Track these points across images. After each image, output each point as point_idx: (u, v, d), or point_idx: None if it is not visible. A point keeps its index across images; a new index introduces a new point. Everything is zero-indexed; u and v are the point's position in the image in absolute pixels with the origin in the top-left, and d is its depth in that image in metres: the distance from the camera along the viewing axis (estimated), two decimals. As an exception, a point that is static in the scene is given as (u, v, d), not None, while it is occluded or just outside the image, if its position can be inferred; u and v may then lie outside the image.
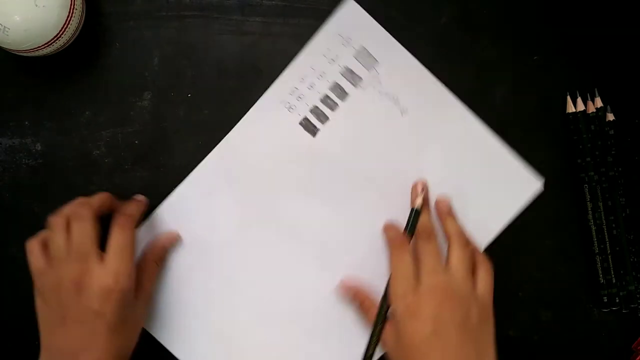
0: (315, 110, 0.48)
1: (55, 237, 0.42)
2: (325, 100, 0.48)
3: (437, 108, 0.48)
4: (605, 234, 0.49)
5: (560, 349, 0.50)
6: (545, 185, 0.49)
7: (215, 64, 0.48)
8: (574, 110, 0.48)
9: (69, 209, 0.43)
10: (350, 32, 0.47)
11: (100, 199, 0.44)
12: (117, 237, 0.42)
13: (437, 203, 0.47)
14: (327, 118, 0.48)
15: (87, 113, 0.48)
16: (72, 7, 0.42)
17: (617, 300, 0.49)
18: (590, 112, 0.48)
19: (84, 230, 0.42)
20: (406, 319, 0.42)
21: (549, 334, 0.50)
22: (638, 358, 0.49)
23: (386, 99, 0.48)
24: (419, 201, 0.46)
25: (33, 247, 0.42)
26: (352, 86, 0.48)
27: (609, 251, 0.49)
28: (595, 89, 0.49)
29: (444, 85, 0.47)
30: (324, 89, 0.48)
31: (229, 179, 0.48)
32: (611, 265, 0.49)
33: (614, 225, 0.49)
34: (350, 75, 0.47)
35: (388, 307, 0.45)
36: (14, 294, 0.48)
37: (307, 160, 0.48)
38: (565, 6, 0.49)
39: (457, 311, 0.42)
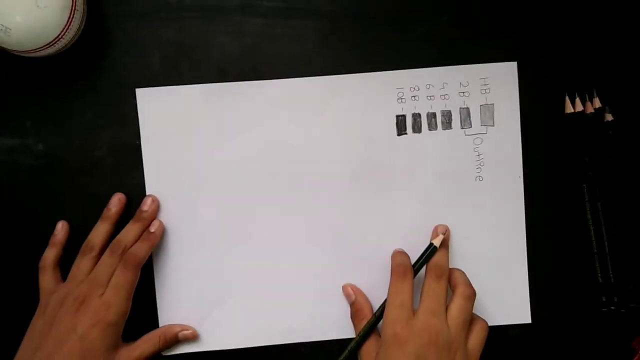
0: (416, 118, 0.48)
1: (83, 262, 0.45)
2: (430, 117, 0.48)
3: (505, 199, 0.49)
4: (604, 234, 0.49)
5: (560, 349, 0.50)
6: (544, 185, 0.49)
7: (215, 65, 0.48)
8: (572, 110, 0.49)
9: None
10: (495, 85, 0.48)
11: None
12: (119, 274, 0.44)
13: None
14: (419, 131, 0.48)
15: (88, 113, 0.48)
16: (73, 8, 0.42)
17: (616, 300, 0.49)
18: (589, 112, 0.49)
19: (111, 266, 0.44)
20: (392, 346, 0.43)
21: (548, 333, 0.50)
22: (637, 357, 0.49)
23: (474, 158, 0.48)
24: (439, 239, 0.46)
25: (46, 267, 0.46)
26: (459, 125, 0.48)
27: (607, 251, 0.49)
28: (594, 90, 0.49)
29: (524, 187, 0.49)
30: (438, 108, 0.48)
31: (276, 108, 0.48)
32: (609, 265, 0.49)
33: (612, 225, 0.49)
34: (466, 116, 0.48)
35: (375, 323, 0.46)
36: (13, 294, 0.48)
37: (372, 149, 0.48)
38: (564, 6, 0.49)
39: (442, 358, 0.42)
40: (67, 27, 0.42)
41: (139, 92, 0.47)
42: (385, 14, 0.48)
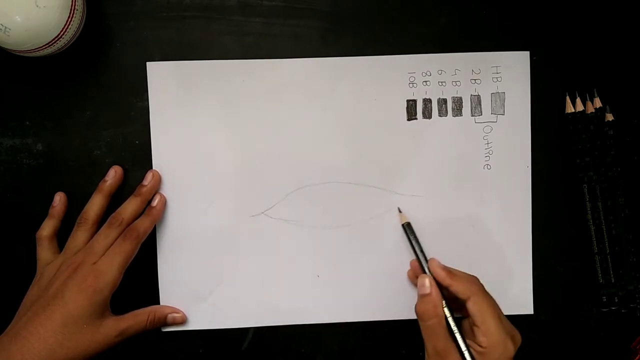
0: (427, 103, 0.48)
1: (78, 234, 0.45)
2: (441, 102, 0.48)
3: (512, 188, 0.49)
4: (604, 233, 0.49)
5: (560, 349, 0.50)
6: (545, 185, 0.49)
7: (215, 65, 0.48)
8: (573, 110, 0.49)
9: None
10: (507, 74, 0.48)
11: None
12: (117, 245, 0.44)
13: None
14: (430, 117, 0.48)
15: (87, 113, 0.48)
16: (73, 7, 0.42)
17: (616, 300, 0.49)
18: (589, 112, 0.49)
19: (108, 237, 0.45)
20: None
21: (548, 333, 0.50)
22: (637, 358, 0.49)
23: (483, 146, 0.49)
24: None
25: (43, 237, 0.46)
26: (469, 112, 0.48)
27: (607, 251, 0.49)
28: (595, 89, 0.49)
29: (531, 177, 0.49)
30: (449, 94, 0.48)
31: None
32: (610, 265, 0.49)
33: (613, 225, 0.49)
34: (476, 103, 0.48)
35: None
36: (16, 293, 0.47)
37: (381, 133, 0.48)
38: (564, 6, 0.49)
39: None
40: (66, 26, 0.42)
41: (150, 65, 0.47)
42: (385, 14, 0.48)
